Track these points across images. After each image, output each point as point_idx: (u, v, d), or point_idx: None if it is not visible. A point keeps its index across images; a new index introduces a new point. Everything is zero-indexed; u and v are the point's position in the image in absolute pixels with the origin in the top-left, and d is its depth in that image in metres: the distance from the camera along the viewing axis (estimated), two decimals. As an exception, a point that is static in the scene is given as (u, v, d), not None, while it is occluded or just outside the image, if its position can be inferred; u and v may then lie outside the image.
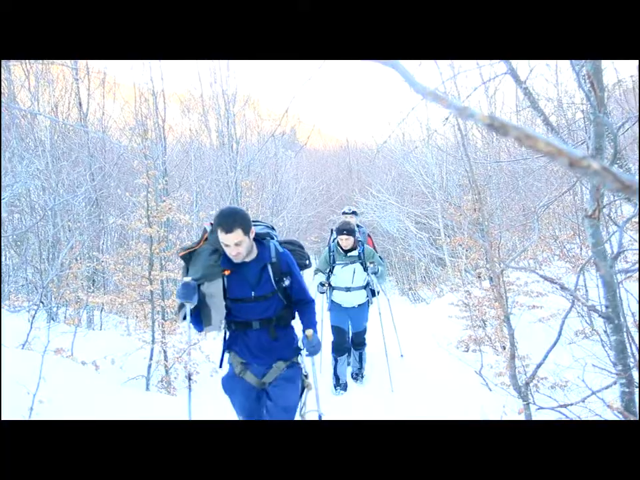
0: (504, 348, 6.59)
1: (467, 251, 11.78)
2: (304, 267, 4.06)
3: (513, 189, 11.01)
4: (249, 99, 18.77)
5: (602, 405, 2.88)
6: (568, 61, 4.08)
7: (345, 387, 6.94)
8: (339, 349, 7.01)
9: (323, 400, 6.28)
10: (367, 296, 7.12)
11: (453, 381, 6.60)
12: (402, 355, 8.01)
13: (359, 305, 7.07)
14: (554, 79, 12.35)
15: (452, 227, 15.06)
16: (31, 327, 6.43)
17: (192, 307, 3.58)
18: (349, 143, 36.23)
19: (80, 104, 13.30)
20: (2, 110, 10.30)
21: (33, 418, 3.98)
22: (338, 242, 6.99)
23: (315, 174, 28.74)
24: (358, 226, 8.18)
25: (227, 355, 3.84)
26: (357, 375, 7.37)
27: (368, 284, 7.11)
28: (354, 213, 8.42)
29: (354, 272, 6.95)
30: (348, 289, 7.00)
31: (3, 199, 8.38)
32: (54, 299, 9.10)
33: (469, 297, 7.87)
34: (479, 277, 9.01)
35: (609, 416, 3.13)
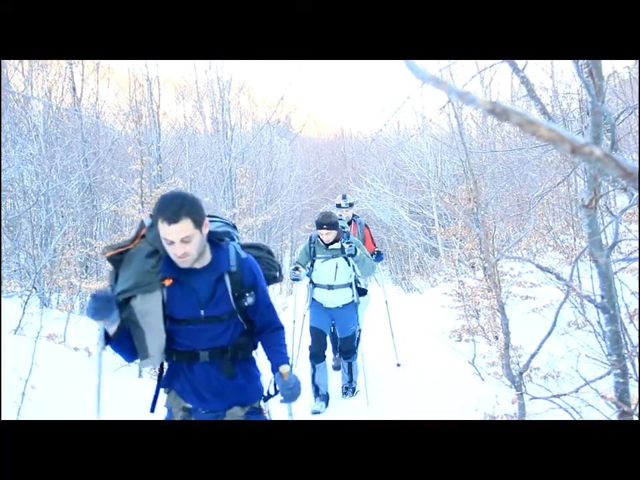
0: (497, 338, 6.60)
1: (460, 240, 11.81)
2: (273, 279, 3.19)
3: (507, 180, 11.00)
4: (244, 86, 18.70)
5: (595, 395, 2.88)
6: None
7: (326, 399, 6.15)
8: (317, 354, 6.20)
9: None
10: (353, 295, 6.27)
11: (445, 370, 6.61)
12: (399, 364, 7.19)
13: (343, 306, 6.24)
14: (550, 69, 12.35)
15: (446, 217, 15.07)
16: (24, 313, 6.41)
17: (110, 327, 2.60)
18: (344, 132, 36.14)
19: (74, 89, 13.19)
20: (1, 102, 10.20)
21: (25, 403, 3.98)
22: (319, 234, 6.13)
23: (310, 162, 28.74)
24: (354, 216, 7.67)
25: (163, 395, 2.86)
26: (347, 389, 6.45)
27: (354, 281, 6.26)
28: (350, 205, 7.66)
29: (336, 267, 6.15)
30: (330, 287, 6.19)
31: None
32: (47, 285, 9.07)
33: (463, 287, 7.88)
34: (473, 267, 9.04)
35: (603, 406, 3.14)
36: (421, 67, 0.93)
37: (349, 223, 7.42)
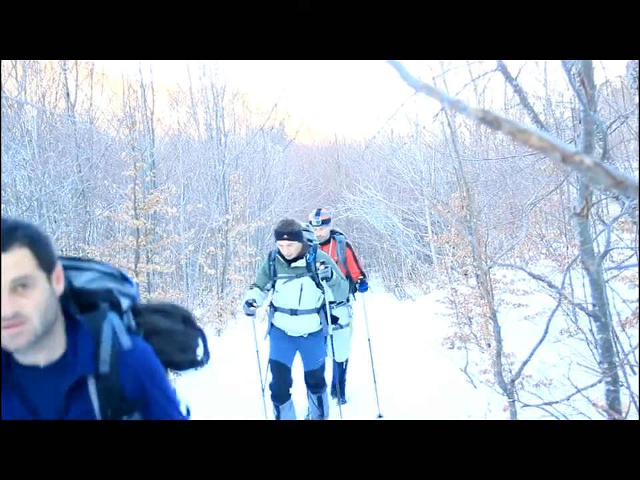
0: (489, 345, 6.61)
1: (453, 248, 11.84)
2: (190, 364, 1.85)
3: (500, 187, 11.05)
4: (238, 92, 18.74)
5: (587, 403, 2.89)
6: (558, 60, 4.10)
7: None
8: (280, 393, 5.20)
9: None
10: (321, 323, 5.22)
11: (437, 377, 6.62)
12: (380, 415, 5.97)
13: (309, 335, 5.20)
14: (543, 78, 12.43)
15: (439, 224, 15.12)
16: (15, 318, 6.37)
17: None
18: (338, 139, 36.16)
19: (68, 94, 13.18)
20: (1, 106, 10.19)
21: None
22: (278, 248, 5.15)
23: (303, 169, 28.73)
24: (334, 232, 6.50)
25: None
26: None
27: (323, 307, 5.21)
28: (324, 222, 6.24)
29: (301, 289, 5.08)
30: (294, 312, 5.12)
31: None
32: (38, 291, 9.01)
33: (455, 294, 7.89)
34: (466, 275, 9.06)
35: (594, 414, 3.15)
36: (413, 75, 0.94)
37: (327, 242, 6.35)
